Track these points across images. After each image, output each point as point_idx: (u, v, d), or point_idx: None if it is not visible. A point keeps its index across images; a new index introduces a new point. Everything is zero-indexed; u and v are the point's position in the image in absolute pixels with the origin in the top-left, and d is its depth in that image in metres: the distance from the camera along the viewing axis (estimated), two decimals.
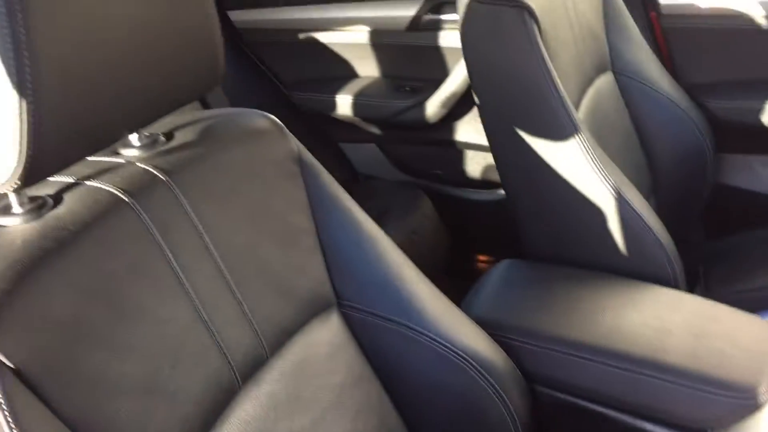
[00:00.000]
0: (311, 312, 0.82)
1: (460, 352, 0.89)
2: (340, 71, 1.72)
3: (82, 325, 0.60)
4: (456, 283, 1.22)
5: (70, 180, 0.69)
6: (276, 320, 0.77)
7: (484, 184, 1.67)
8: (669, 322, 0.96)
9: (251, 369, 0.73)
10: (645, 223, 1.08)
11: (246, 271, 0.75)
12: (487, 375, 0.89)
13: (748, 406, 0.86)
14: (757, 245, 1.48)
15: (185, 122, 0.82)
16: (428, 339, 0.88)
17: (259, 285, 0.76)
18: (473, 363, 0.89)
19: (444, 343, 0.89)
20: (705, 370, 0.88)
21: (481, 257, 1.83)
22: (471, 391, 0.89)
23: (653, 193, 1.39)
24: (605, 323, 0.97)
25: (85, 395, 0.58)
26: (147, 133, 0.76)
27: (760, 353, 0.90)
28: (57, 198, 0.66)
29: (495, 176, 1.47)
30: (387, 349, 0.88)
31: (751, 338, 0.93)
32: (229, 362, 0.70)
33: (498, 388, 0.89)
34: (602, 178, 1.06)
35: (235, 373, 0.71)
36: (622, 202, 1.07)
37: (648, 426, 0.92)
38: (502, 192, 1.32)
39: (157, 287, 0.66)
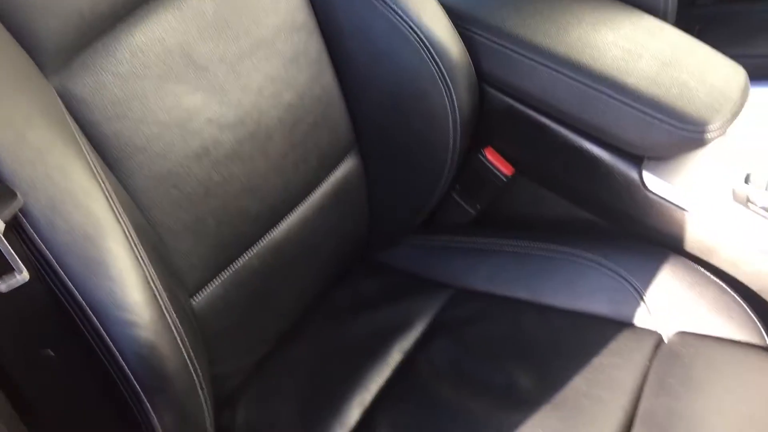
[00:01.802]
0: None
1: (416, 29, 0.82)
2: None
3: None
4: None
5: None
6: None
7: None
8: (641, 47, 0.90)
9: None
10: None
11: None
12: (438, 60, 0.83)
13: (694, 140, 0.84)
14: (758, 13, 1.39)
15: None
16: (384, 6, 0.81)
17: None
18: (427, 44, 0.83)
19: (401, 15, 0.81)
20: (662, 96, 0.84)
21: None
22: (417, 72, 0.84)
23: None
24: (575, 35, 0.90)
25: None
26: None
27: (724, 94, 0.86)
28: None
29: None
30: (335, 3, 0.81)
31: (721, 78, 0.88)
32: None
33: (446, 75, 0.84)
34: None
35: None
36: None
37: (586, 144, 0.90)
38: None
39: None
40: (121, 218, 0.55)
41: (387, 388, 0.84)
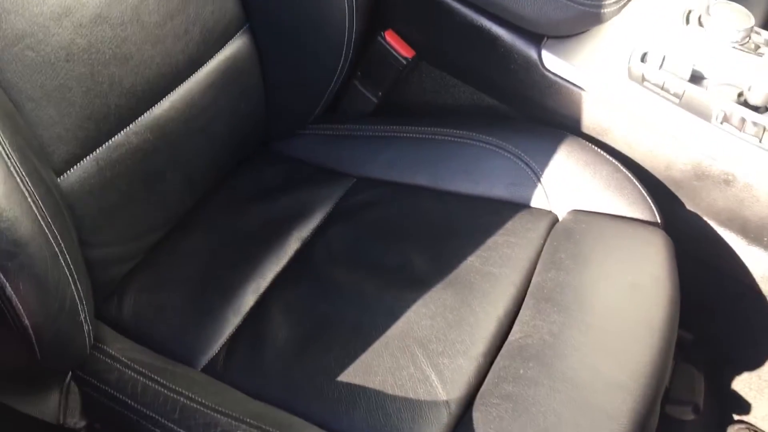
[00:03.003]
0: None
1: None
2: None
3: None
4: None
5: None
6: None
7: None
8: None
9: None
10: None
11: None
12: None
13: (591, 14, 0.83)
14: None
15: None
16: None
17: None
18: None
19: None
20: None
21: None
22: None
23: None
24: None
25: None
26: None
27: None
28: None
29: None
30: None
31: None
32: None
33: None
34: None
35: None
36: None
37: (486, 23, 0.87)
38: None
39: None
40: None
41: (283, 275, 0.82)
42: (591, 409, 0.64)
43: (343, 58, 0.89)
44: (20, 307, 0.53)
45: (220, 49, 0.81)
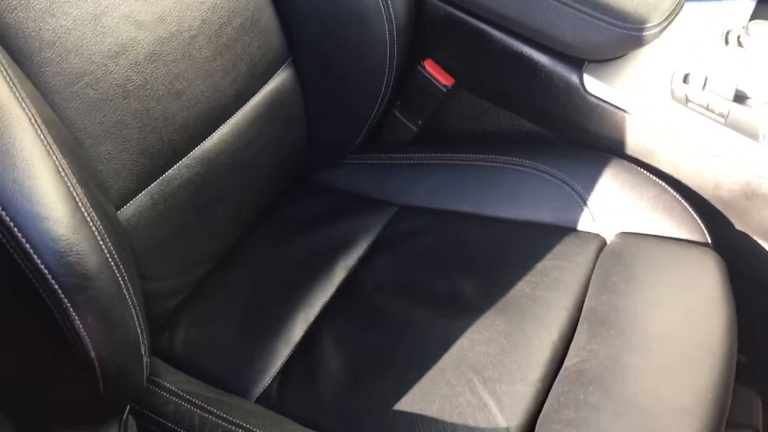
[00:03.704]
0: None
1: None
2: None
3: None
4: None
5: None
6: None
7: None
8: None
9: None
10: None
11: None
12: None
13: (633, 38, 0.82)
14: None
15: None
16: None
17: None
18: None
19: None
20: None
21: None
22: None
23: None
24: None
25: None
26: None
27: None
28: None
29: None
30: None
31: None
32: None
33: None
34: None
35: None
36: None
37: (527, 50, 0.88)
38: None
39: None
40: (26, 107, 0.51)
41: (331, 304, 0.82)
42: None
43: (384, 89, 0.90)
44: (87, 340, 0.53)
45: (266, 82, 0.83)
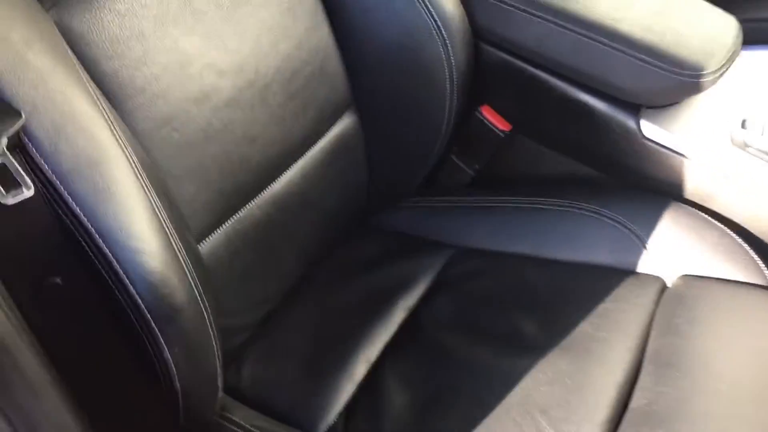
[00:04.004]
0: None
1: None
2: None
3: None
4: None
5: None
6: None
7: None
8: None
9: None
10: None
11: None
12: (433, 11, 0.84)
13: (690, 85, 0.84)
14: None
15: None
16: None
17: None
18: None
19: None
20: (657, 42, 0.84)
21: None
22: (412, 24, 0.84)
23: None
24: None
25: None
26: None
27: (717, 40, 0.86)
28: None
29: None
30: None
31: (713, 26, 0.88)
32: None
33: (442, 28, 0.84)
34: None
35: None
36: None
37: (583, 96, 0.90)
38: None
39: None
40: (125, 147, 0.54)
41: (393, 344, 0.84)
42: None
43: (442, 134, 0.92)
44: (174, 371, 0.55)
45: (331, 127, 0.86)
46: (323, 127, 0.84)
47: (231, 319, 0.79)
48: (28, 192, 0.45)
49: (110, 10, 0.61)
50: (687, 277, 0.83)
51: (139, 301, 0.53)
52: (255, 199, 0.76)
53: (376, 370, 0.81)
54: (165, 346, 0.54)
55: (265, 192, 0.77)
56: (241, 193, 0.74)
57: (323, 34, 0.81)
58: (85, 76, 0.57)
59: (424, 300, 0.89)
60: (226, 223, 0.73)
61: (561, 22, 0.87)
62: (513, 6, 0.89)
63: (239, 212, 0.75)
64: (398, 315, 0.87)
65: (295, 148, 0.80)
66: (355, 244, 0.97)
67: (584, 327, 0.79)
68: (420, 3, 0.83)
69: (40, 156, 0.49)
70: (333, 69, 0.84)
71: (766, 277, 0.82)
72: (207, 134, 0.69)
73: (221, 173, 0.71)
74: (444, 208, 0.98)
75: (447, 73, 0.87)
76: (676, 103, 0.89)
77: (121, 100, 0.62)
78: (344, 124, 0.87)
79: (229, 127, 0.71)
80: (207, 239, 0.72)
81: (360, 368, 0.81)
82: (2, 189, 0.44)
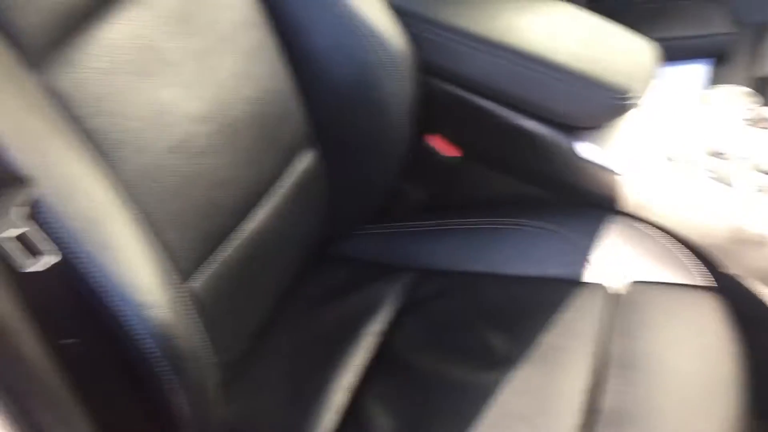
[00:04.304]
0: None
1: (362, 21, 0.86)
2: None
3: None
4: None
5: None
6: None
7: None
8: (563, 29, 0.98)
9: None
10: None
11: None
12: (384, 50, 0.88)
13: (619, 106, 0.92)
14: (640, 4, 1.53)
15: None
16: (332, 1, 0.85)
17: None
18: (373, 35, 0.87)
19: (348, 9, 0.86)
20: (589, 70, 0.92)
21: None
22: (365, 63, 0.88)
23: None
24: (504, 20, 0.98)
25: None
26: None
27: (637, 64, 0.95)
28: None
29: None
30: (288, 2, 0.84)
31: (634, 52, 0.98)
32: None
33: (393, 65, 0.89)
34: None
35: None
36: None
37: (525, 122, 0.97)
38: None
39: None
40: (122, 202, 0.56)
41: (370, 369, 0.87)
42: None
43: (397, 164, 0.97)
44: (180, 415, 0.56)
45: (295, 164, 0.89)
46: (288, 165, 0.87)
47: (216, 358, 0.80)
48: (55, 257, 0.46)
49: (92, 69, 0.62)
50: (634, 284, 0.91)
51: (149, 354, 0.54)
52: (232, 240, 0.78)
53: (356, 396, 0.84)
54: (175, 394, 0.55)
55: (240, 232, 0.79)
56: (220, 235, 0.75)
57: (283, 77, 0.84)
58: (76, 135, 0.57)
59: (393, 324, 0.92)
60: (206, 266, 0.74)
61: (503, 55, 0.93)
62: (457, 41, 0.95)
63: (218, 254, 0.76)
64: (369, 340, 0.90)
65: (265, 187, 0.82)
66: (320, 275, 1.00)
67: (547, 337, 0.85)
68: (372, 43, 0.87)
69: (50, 221, 0.50)
70: (293, 109, 0.86)
71: (703, 277, 0.91)
72: (185, 182, 0.70)
73: (200, 217, 0.72)
74: (401, 234, 1.03)
75: (399, 107, 0.92)
76: (608, 123, 0.97)
77: (107, 155, 0.62)
78: (306, 160, 0.90)
79: (205, 172, 0.72)
80: (187, 283, 0.73)
81: (340, 396, 0.84)
82: (28, 256, 0.44)
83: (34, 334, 0.47)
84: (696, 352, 0.81)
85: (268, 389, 0.85)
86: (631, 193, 0.96)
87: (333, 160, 0.95)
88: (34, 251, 0.44)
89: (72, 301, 0.51)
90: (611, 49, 0.97)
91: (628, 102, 0.92)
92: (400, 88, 0.90)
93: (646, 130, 0.97)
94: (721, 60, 1.35)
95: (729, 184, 0.91)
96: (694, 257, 0.91)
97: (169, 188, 0.69)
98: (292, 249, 0.91)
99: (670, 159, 0.93)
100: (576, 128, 0.97)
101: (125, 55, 0.65)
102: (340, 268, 1.01)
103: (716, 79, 1.27)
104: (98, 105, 0.62)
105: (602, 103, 0.92)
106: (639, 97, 0.94)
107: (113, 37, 0.65)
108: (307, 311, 0.95)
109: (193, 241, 0.72)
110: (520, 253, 0.97)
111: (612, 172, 0.96)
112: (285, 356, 0.89)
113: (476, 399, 0.79)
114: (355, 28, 0.86)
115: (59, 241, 0.50)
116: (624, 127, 0.97)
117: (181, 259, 0.71)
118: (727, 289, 0.90)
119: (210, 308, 0.75)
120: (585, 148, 0.96)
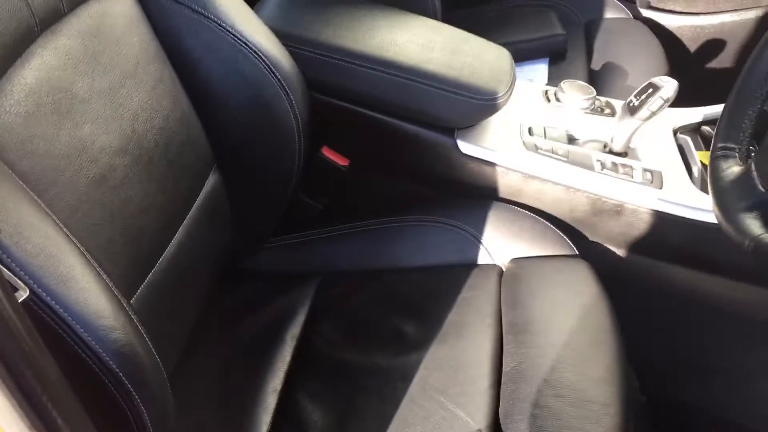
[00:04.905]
0: None
1: (254, 47, 0.93)
2: None
3: None
4: None
5: None
6: None
7: None
8: (431, 41, 1.09)
9: (50, 18, 0.70)
10: None
11: None
12: (276, 72, 0.95)
13: (489, 107, 1.05)
14: (489, 12, 1.69)
15: None
16: (225, 31, 0.91)
17: None
18: (265, 59, 0.94)
19: (240, 37, 0.92)
20: (459, 77, 1.04)
21: None
22: (260, 85, 0.95)
23: None
24: (379, 38, 1.07)
25: None
26: None
27: (499, 69, 1.08)
28: None
29: None
30: (182, 34, 0.89)
31: (494, 58, 1.11)
32: (28, 4, 0.66)
33: (285, 85, 0.96)
34: None
35: (35, 19, 0.67)
36: None
37: (409, 127, 1.07)
38: None
39: None
40: (69, 235, 0.59)
41: (294, 370, 0.93)
42: (589, 403, 0.82)
43: (294, 178, 1.04)
44: (150, 426, 0.61)
45: (202, 187, 0.93)
46: (197, 188, 0.91)
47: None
48: (24, 293, 0.49)
49: (15, 113, 0.64)
50: (516, 260, 1.03)
51: (119, 372, 0.58)
52: (156, 265, 0.81)
53: (285, 398, 0.90)
54: (143, 408, 0.60)
55: (164, 256, 0.83)
56: (144, 261, 0.79)
57: (184, 104, 0.89)
58: (12, 179, 0.60)
59: (309, 326, 0.99)
60: (133, 292, 0.78)
61: (381, 68, 1.03)
62: (338, 59, 1.04)
63: (145, 281, 0.79)
64: (290, 344, 0.96)
65: (180, 211, 0.86)
66: (236, 290, 1.05)
67: (452, 317, 0.96)
68: (264, 67, 0.93)
69: (11, 260, 0.53)
70: (196, 134, 0.91)
71: (572, 247, 1.05)
72: (111, 212, 0.73)
73: (126, 246, 0.76)
74: (307, 242, 1.10)
75: (293, 123, 0.99)
76: (480, 122, 1.10)
77: (41, 193, 0.65)
78: (212, 182, 0.95)
79: (127, 202, 0.76)
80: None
81: (270, 400, 0.89)
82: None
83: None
84: (574, 310, 0.94)
85: (201, 403, 0.89)
86: (507, 180, 1.09)
87: (235, 179, 1.00)
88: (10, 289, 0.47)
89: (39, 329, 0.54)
90: (475, 57, 1.09)
91: (496, 102, 1.05)
92: (293, 106, 0.97)
93: (512, 124, 1.10)
94: (558, 58, 1.53)
95: (587, 166, 1.06)
96: (562, 230, 1.05)
97: (99, 220, 0.72)
98: (206, 268, 0.95)
99: (536, 148, 1.07)
100: (455, 129, 1.08)
101: (41, 98, 0.68)
102: (253, 282, 1.06)
103: (555, 76, 1.44)
104: (25, 147, 0.64)
105: (474, 105, 1.04)
106: (505, 97, 1.06)
107: (29, 82, 0.67)
108: (228, 326, 1.00)
109: (125, 268, 0.75)
110: (420, 247, 1.06)
111: (489, 163, 1.08)
112: (212, 370, 0.93)
113: (397, 380, 0.88)
114: (248, 54, 0.92)
115: (24, 278, 0.53)
116: (496, 123, 1.10)
117: (118, 285, 0.74)
118: (593, 255, 1.04)
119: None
120: (463, 145, 1.08)
